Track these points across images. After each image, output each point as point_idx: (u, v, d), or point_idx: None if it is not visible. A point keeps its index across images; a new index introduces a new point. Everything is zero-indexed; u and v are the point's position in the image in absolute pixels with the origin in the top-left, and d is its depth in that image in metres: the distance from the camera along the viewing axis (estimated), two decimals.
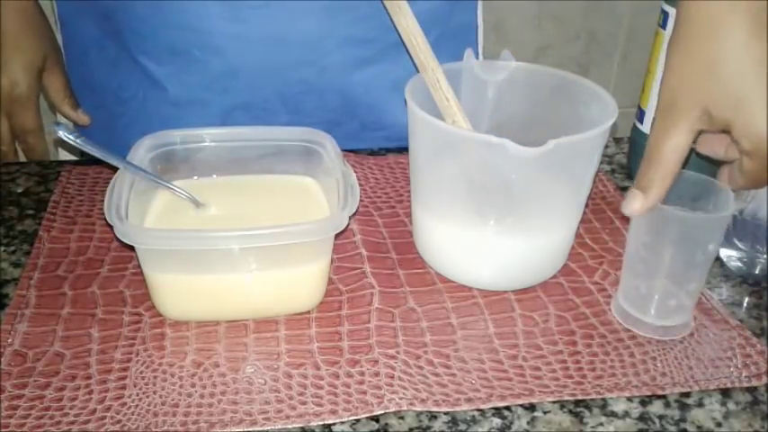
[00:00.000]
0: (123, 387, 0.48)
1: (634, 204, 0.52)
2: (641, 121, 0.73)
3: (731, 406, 0.49)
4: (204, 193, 0.60)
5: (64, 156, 0.85)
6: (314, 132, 0.61)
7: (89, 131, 0.79)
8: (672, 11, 0.66)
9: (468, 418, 0.48)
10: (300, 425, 0.46)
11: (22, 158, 0.79)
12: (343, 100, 0.75)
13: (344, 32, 0.70)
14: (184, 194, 0.59)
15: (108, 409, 0.47)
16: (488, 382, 0.50)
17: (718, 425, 0.48)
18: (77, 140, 0.55)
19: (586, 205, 0.60)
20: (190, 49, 0.69)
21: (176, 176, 0.61)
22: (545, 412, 0.48)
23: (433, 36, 0.73)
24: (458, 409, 0.48)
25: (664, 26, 0.68)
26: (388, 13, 0.61)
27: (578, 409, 0.48)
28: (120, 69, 0.74)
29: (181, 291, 0.53)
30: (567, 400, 0.49)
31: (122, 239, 0.49)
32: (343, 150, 0.60)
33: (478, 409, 0.48)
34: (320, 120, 0.74)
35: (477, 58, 0.80)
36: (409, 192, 0.64)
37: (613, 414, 0.48)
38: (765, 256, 0.61)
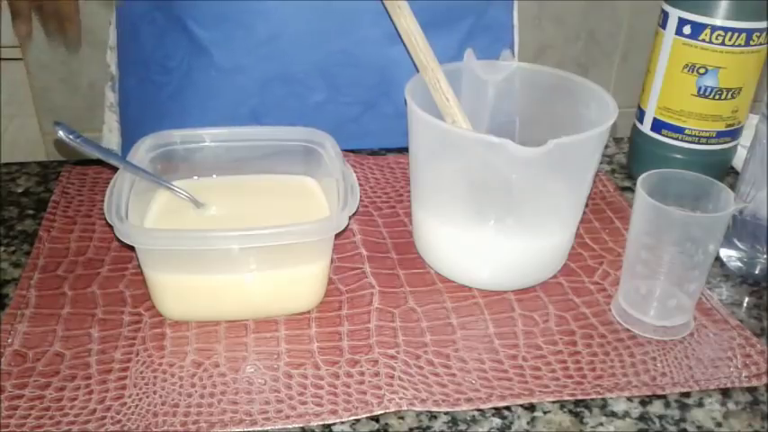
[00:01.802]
0: (123, 387, 0.48)
1: None
2: (641, 121, 0.73)
3: (731, 406, 0.49)
4: (204, 193, 0.60)
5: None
6: (314, 132, 0.61)
7: (132, 106, 0.81)
8: (672, 11, 0.66)
9: (468, 418, 0.48)
10: (300, 425, 0.46)
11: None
12: (380, 77, 0.76)
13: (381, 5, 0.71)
14: (184, 194, 0.59)
15: (108, 409, 0.47)
16: (488, 382, 0.50)
17: (719, 425, 0.48)
18: (77, 140, 0.55)
19: (586, 205, 0.60)
20: (237, 13, 0.71)
21: (176, 176, 0.61)
22: (545, 412, 0.48)
23: (466, 25, 0.76)
24: (458, 409, 0.48)
25: (664, 26, 0.68)
26: (388, 13, 0.61)
27: (578, 409, 0.48)
28: (167, 39, 0.75)
29: (181, 291, 0.53)
30: (567, 400, 0.49)
31: (122, 239, 0.49)
32: (344, 150, 0.60)
33: (478, 409, 0.48)
34: (357, 99, 0.75)
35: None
36: (409, 192, 0.64)
37: (613, 414, 0.48)
38: (765, 256, 0.61)
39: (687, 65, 0.67)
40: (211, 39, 0.73)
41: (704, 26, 0.65)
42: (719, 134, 0.69)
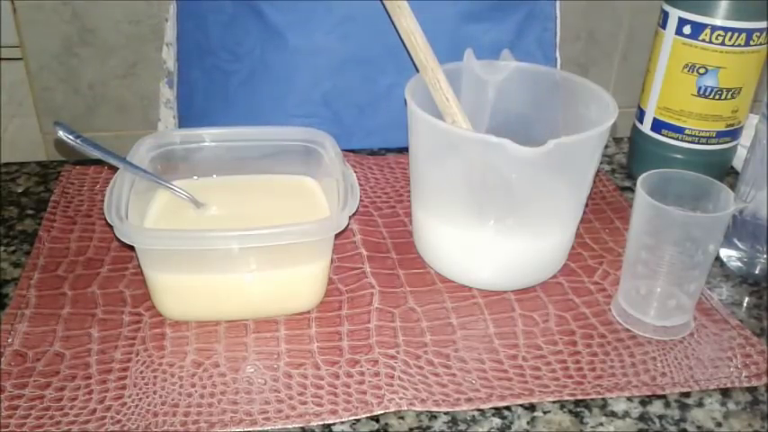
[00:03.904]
0: (123, 387, 0.48)
1: None
2: (641, 121, 0.73)
3: (731, 406, 0.49)
4: (204, 193, 0.60)
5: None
6: (314, 132, 0.61)
7: (196, 98, 0.82)
8: (672, 11, 0.67)
9: (468, 418, 0.48)
10: (300, 425, 0.46)
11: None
12: (451, 57, 0.76)
13: None
14: (184, 194, 0.59)
15: (108, 409, 0.47)
16: (488, 382, 0.50)
17: (719, 425, 0.48)
18: (77, 140, 0.55)
19: (586, 205, 0.60)
20: None
21: (176, 176, 0.61)
22: (545, 412, 0.48)
23: (523, 12, 0.77)
24: (458, 409, 0.48)
25: (664, 26, 0.68)
26: (388, 13, 0.61)
27: (578, 409, 0.48)
28: (236, 25, 0.76)
29: (181, 291, 0.53)
30: (567, 400, 0.49)
31: (122, 239, 0.49)
32: (344, 150, 0.60)
33: (478, 409, 0.48)
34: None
35: (555, 51, 0.84)
36: (409, 192, 0.64)
37: (613, 414, 0.48)
38: (765, 256, 0.61)
39: (687, 65, 0.67)
40: (286, 21, 0.74)
41: (704, 26, 0.65)
42: (719, 134, 0.69)
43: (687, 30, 0.66)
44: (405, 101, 0.56)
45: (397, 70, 0.76)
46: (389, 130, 0.78)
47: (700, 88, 0.67)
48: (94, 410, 0.47)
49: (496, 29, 0.76)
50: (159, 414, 0.46)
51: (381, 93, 0.77)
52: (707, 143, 0.69)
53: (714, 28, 0.64)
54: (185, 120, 0.85)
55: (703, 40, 0.65)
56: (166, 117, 0.89)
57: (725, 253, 0.63)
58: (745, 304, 0.59)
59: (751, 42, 0.65)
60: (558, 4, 0.84)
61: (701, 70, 0.66)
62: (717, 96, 0.67)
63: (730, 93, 0.67)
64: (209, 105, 0.81)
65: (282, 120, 0.76)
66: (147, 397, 0.48)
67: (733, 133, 0.70)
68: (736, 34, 0.64)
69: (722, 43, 0.64)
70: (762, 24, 0.64)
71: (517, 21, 0.78)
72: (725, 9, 0.64)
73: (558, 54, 0.85)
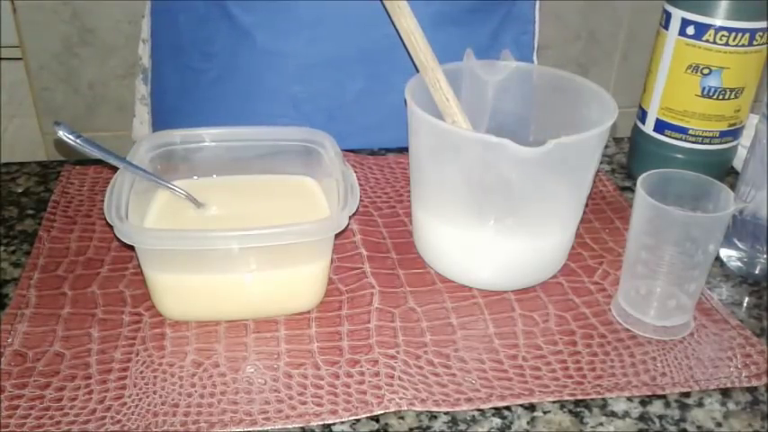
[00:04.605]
0: (123, 387, 0.48)
1: None
2: (643, 122, 0.73)
3: (731, 406, 0.49)
4: (204, 193, 0.60)
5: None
6: (313, 132, 0.61)
7: (169, 95, 0.81)
8: (675, 11, 0.66)
9: (468, 418, 0.48)
10: (300, 425, 0.46)
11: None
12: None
13: None
14: (184, 194, 0.59)
15: (108, 409, 0.47)
16: (488, 382, 0.50)
17: (719, 425, 0.48)
18: (77, 140, 0.55)
19: (586, 205, 0.60)
20: None
21: (176, 176, 0.61)
22: (545, 412, 0.48)
23: (500, 15, 0.76)
24: (458, 409, 0.48)
25: (666, 27, 0.68)
26: (388, 13, 0.61)
27: (578, 409, 0.48)
28: (208, 24, 0.76)
29: (181, 291, 0.53)
30: (567, 400, 0.49)
31: (122, 239, 0.49)
32: (344, 150, 0.60)
33: (478, 409, 0.48)
34: (395, 88, 0.74)
35: (533, 54, 0.83)
36: (409, 192, 0.64)
37: (613, 414, 0.48)
38: (765, 256, 0.61)
39: (691, 65, 0.67)
40: (255, 22, 0.73)
41: (708, 27, 0.65)
42: (722, 134, 0.69)
43: (691, 30, 0.66)
44: (405, 101, 0.56)
45: (367, 76, 0.75)
46: (360, 135, 0.77)
47: (704, 89, 0.67)
48: (94, 410, 0.47)
49: (472, 32, 0.75)
50: (159, 414, 0.46)
51: (350, 99, 0.77)
52: (710, 143, 0.69)
53: (718, 28, 0.64)
54: (158, 116, 0.85)
55: (707, 41, 0.65)
56: (141, 113, 0.88)
57: (725, 253, 0.63)
58: (745, 304, 0.59)
59: (754, 42, 0.65)
60: (537, 5, 0.83)
61: (705, 71, 0.66)
62: (720, 96, 0.67)
63: (733, 93, 0.67)
64: (180, 103, 0.80)
65: (252, 120, 0.75)
66: (147, 397, 0.48)
67: (734, 133, 0.70)
68: (739, 34, 0.64)
69: (726, 44, 0.64)
70: (764, 24, 0.64)
71: (493, 24, 0.77)
72: (728, 9, 0.63)
73: (535, 57, 0.84)
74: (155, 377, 0.49)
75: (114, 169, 0.56)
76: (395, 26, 0.61)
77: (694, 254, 0.52)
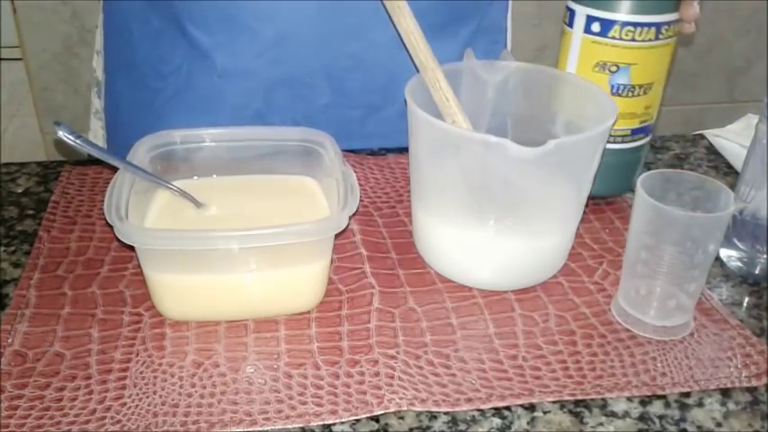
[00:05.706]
0: (123, 387, 0.48)
1: None
2: None
3: (731, 406, 0.49)
4: (204, 193, 0.60)
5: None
6: (313, 132, 0.61)
7: (123, 111, 0.78)
8: (579, 8, 0.64)
9: (468, 418, 0.48)
10: (300, 425, 0.46)
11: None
12: (388, 80, 0.74)
13: None
14: (184, 194, 0.59)
15: (108, 409, 0.47)
16: (488, 382, 0.50)
17: (719, 425, 0.48)
18: (77, 140, 0.55)
19: (586, 205, 0.60)
20: (242, 16, 0.69)
21: (176, 176, 0.61)
22: (545, 412, 0.48)
23: (470, 29, 0.75)
24: (458, 409, 0.48)
25: (570, 24, 0.65)
26: (388, 13, 0.61)
27: (578, 409, 0.48)
28: (162, 42, 0.73)
29: (181, 291, 0.53)
30: (567, 400, 0.49)
31: (122, 239, 0.49)
32: (344, 150, 0.60)
33: (478, 409, 0.48)
34: (362, 103, 0.73)
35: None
36: (409, 192, 0.64)
37: (613, 414, 0.48)
38: (765, 256, 0.61)
39: (599, 63, 0.64)
40: (213, 43, 0.71)
41: (613, 22, 0.62)
42: (634, 132, 0.67)
43: (596, 27, 0.63)
44: (405, 101, 0.56)
45: (333, 92, 0.74)
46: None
47: (613, 86, 0.64)
48: (94, 410, 0.47)
49: (443, 48, 0.69)
50: (159, 414, 0.46)
51: (318, 110, 0.75)
52: (623, 142, 0.67)
53: (623, 24, 0.62)
54: (113, 131, 0.81)
55: (613, 37, 0.62)
56: (95, 128, 0.84)
57: (725, 253, 0.63)
58: (745, 304, 0.59)
59: (660, 36, 0.62)
60: (509, 14, 0.81)
61: (613, 68, 0.64)
62: (630, 94, 0.65)
63: (642, 89, 0.65)
64: (137, 119, 0.77)
65: None
66: (147, 397, 0.48)
67: (646, 130, 0.68)
68: (645, 29, 0.61)
69: (632, 39, 0.62)
70: (670, 17, 0.62)
71: (464, 38, 0.76)
72: (633, 4, 0.61)
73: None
74: (155, 377, 0.49)
75: (114, 169, 0.56)
76: (395, 26, 0.61)
77: (694, 254, 0.52)
